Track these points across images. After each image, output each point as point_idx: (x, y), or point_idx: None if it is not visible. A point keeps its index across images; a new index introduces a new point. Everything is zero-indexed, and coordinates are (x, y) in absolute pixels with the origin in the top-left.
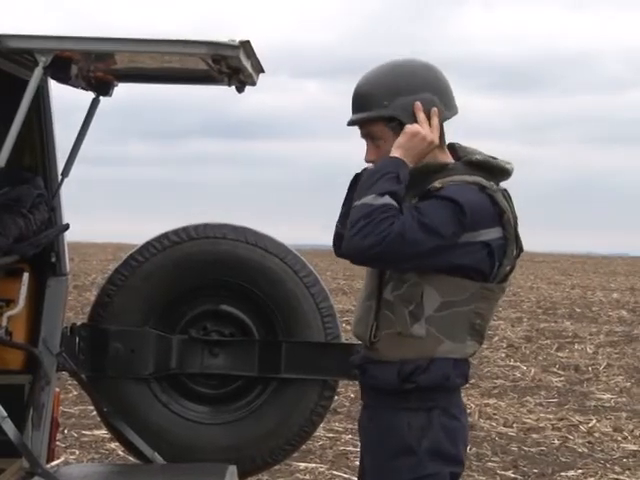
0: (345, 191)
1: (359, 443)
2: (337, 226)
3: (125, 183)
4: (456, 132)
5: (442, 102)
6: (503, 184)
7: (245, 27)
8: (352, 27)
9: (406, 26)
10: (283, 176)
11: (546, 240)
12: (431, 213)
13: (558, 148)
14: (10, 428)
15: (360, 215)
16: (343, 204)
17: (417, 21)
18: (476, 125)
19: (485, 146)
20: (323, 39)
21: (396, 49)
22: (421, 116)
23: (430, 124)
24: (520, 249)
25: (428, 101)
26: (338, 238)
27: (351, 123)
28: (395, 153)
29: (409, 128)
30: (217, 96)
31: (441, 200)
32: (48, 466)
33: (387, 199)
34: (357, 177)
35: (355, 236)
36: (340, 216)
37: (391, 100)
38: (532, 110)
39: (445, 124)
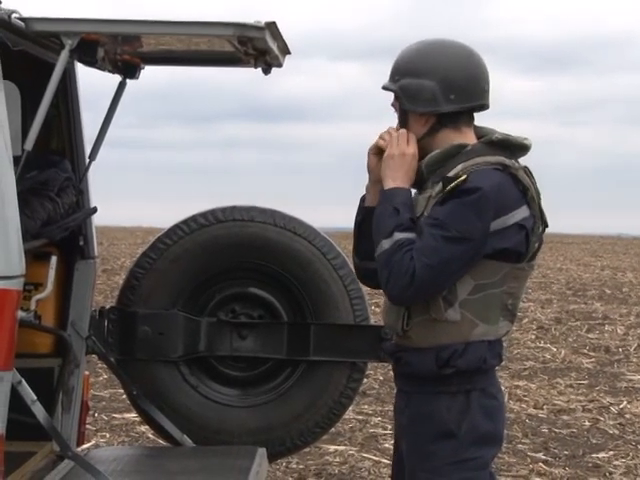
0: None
1: (390, 426)
2: (354, 260)
3: (154, 167)
4: (491, 114)
5: (445, 92)
6: (522, 159)
7: (280, 10)
8: (390, 9)
9: (446, 8)
10: (316, 159)
11: (576, 221)
12: (455, 222)
13: (593, 129)
14: (40, 411)
15: (382, 266)
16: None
17: (456, 2)
18: (512, 107)
19: (521, 127)
20: (360, 22)
21: (434, 32)
22: (390, 135)
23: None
24: (545, 224)
25: (427, 88)
26: (359, 272)
27: (382, 88)
28: (385, 182)
29: (387, 152)
30: (253, 79)
31: (466, 197)
32: (78, 449)
33: (396, 236)
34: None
35: (387, 287)
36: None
37: (400, 77)
38: (568, 91)
39: None
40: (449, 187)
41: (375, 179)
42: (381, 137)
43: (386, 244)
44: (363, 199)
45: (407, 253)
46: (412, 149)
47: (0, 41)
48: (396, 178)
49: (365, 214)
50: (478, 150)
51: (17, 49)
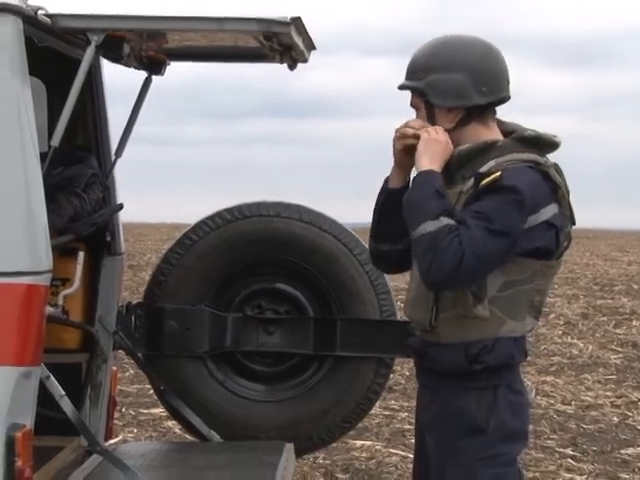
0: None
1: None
2: (370, 243)
3: (179, 163)
4: (520, 109)
5: (476, 84)
6: (551, 156)
7: (311, 5)
8: (421, 5)
9: (476, 3)
10: (342, 155)
11: (602, 216)
12: (499, 216)
13: (619, 123)
14: (68, 406)
15: (424, 248)
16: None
17: None
18: (541, 101)
19: (549, 122)
20: (391, 17)
21: (465, 27)
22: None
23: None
24: (573, 222)
25: (457, 82)
26: (372, 255)
27: (398, 87)
28: (422, 162)
29: (425, 135)
30: (282, 74)
31: (504, 195)
32: (106, 444)
33: (444, 220)
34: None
35: (430, 270)
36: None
37: (426, 74)
38: (596, 86)
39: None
40: (484, 183)
41: (398, 162)
42: (408, 125)
43: (431, 226)
44: (387, 180)
45: (456, 238)
46: (437, 135)
47: (27, 37)
48: (434, 161)
49: (387, 195)
50: (509, 146)
51: (43, 45)
